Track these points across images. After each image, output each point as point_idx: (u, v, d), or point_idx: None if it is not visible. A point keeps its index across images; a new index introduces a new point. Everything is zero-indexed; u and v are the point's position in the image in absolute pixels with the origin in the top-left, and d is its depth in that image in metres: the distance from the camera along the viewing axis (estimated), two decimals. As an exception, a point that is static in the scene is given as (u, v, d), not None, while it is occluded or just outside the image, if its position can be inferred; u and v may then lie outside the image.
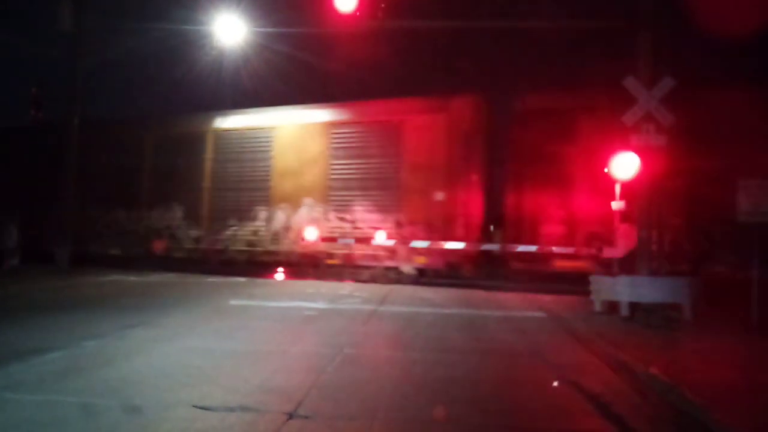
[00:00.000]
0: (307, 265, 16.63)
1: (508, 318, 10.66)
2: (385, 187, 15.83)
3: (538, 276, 14.28)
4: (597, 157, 12.30)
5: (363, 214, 16.00)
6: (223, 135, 18.14)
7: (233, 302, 11.69)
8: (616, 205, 13.28)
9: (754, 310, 9.88)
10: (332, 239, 16.08)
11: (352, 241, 15.88)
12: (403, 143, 15.59)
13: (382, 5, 11.53)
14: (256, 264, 17.14)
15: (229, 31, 15.01)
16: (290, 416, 4.94)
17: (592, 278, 11.67)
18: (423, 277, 15.76)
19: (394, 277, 15.76)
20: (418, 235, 15.16)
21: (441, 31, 13.00)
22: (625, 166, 11.03)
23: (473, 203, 15.21)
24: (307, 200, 16.71)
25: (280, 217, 17.07)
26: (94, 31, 18.46)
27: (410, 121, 15.59)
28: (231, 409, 5.05)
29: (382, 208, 15.80)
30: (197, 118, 18.99)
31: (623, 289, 10.74)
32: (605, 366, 7.25)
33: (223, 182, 17.84)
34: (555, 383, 6.37)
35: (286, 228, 16.95)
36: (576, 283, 12.69)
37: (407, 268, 15.71)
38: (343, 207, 16.30)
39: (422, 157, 15.26)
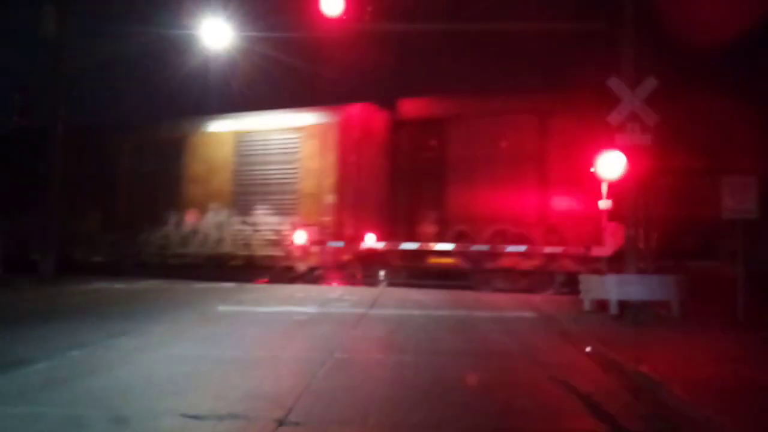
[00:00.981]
0: (212, 267, 17.49)
1: (498, 319, 10.65)
2: (284, 192, 16.89)
3: (417, 272, 15.67)
4: (472, 161, 14.53)
5: (264, 218, 17.06)
6: (144, 145, 19.14)
7: (221, 308, 11.60)
8: (604, 204, 13.37)
9: (740, 306, 9.95)
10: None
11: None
12: (300, 150, 16.74)
13: (369, 8, 11.55)
14: (168, 267, 17.89)
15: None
16: (281, 423, 4.88)
17: (582, 277, 11.71)
18: (315, 273, 16.70)
19: (291, 275, 16.72)
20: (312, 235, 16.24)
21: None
22: (611, 165, 11.07)
23: (364, 205, 16.24)
24: (214, 205, 17.74)
25: (188, 221, 18.11)
26: (79, 36, 18.39)
27: (306, 129, 16.73)
28: (220, 418, 4.97)
29: (281, 212, 16.83)
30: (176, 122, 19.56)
31: (612, 288, 10.77)
32: (596, 365, 7.26)
33: (138, 188, 18.65)
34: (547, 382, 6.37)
35: (194, 231, 17.96)
36: (450, 277, 15.03)
37: (301, 267, 16.69)
38: (246, 211, 17.31)
39: (316, 163, 16.40)
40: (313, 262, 16.55)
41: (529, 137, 14.62)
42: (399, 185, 15.96)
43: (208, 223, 17.78)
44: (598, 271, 12.63)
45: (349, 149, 16.12)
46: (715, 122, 13.33)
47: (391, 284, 15.68)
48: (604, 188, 13.22)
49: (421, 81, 20.34)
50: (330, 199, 16.16)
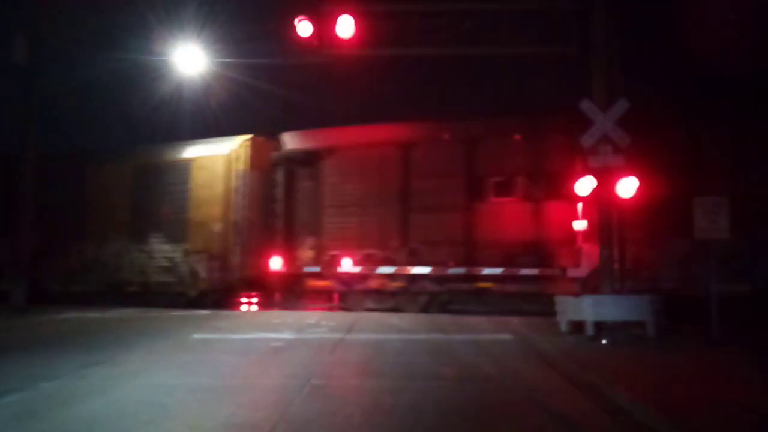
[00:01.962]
0: (108, 293, 17.98)
1: (475, 342, 10.64)
2: (176, 221, 17.68)
3: (299, 294, 16.76)
4: (343, 190, 16.01)
5: (158, 246, 17.83)
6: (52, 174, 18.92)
7: (197, 336, 11.46)
8: (579, 225, 13.51)
9: (715, 325, 10.06)
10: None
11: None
12: (191, 181, 17.61)
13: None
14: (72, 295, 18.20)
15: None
16: (257, 452, 4.82)
17: (558, 299, 11.77)
18: (205, 299, 17.27)
19: (183, 300, 17.27)
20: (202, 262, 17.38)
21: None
22: (584, 186, 11.20)
23: (251, 233, 17.31)
24: (112, 234, 18.39)
25: (90, 249, 18.76)
26: (52, 63, 18.41)
27: (197, 160, 17.68)
28: (195, 448, 4.90)
29: (173, 240, 17.65)
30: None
31: (587, 309, 10.82)
32: (573, 387, 7.27)
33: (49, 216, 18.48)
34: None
35: (94, 260, 18.62)
36: (325, 300, 16.51)
37: (192, 292, 17.47)
38: (142, 240, 18.05)
39: (205, 193, 17.36)
40: (204, 287, 17.36)
41: (394, 168, 15.77)
42: (280, 213, 17.07)
43: (107, 252, 18.42)
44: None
45: (236, 179, 17.20)
46: (687, 145, 13.55)
47: (344, 308, 16.10)
48: (580, 209, 13.37)
49: (309, 114, 21.92)
50: (217, 227, 17.13)
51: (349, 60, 12.63)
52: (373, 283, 15.65)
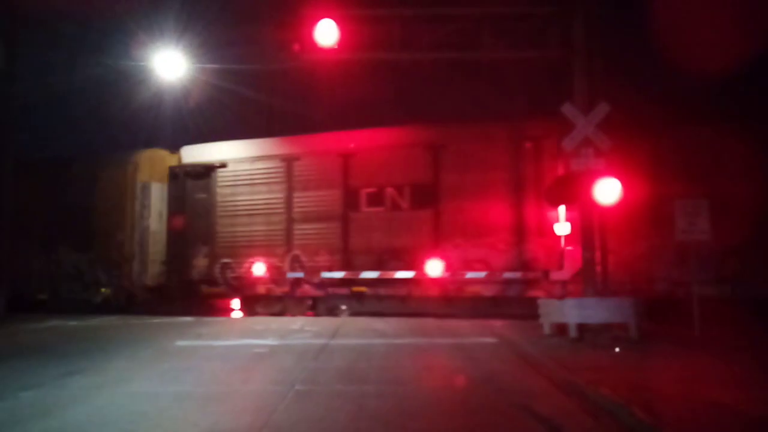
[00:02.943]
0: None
1: (460, 346, 10.65)
2: (82, 230, 18.30)
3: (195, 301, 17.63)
4: (234, 202, 17.09)
5: (67, 255, 18.41)
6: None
7: (180, 343, 11.37)
8: (562, 228, 13.59)
9: (696, 326, 10.16)
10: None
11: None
12: (96, 191, 18.42)
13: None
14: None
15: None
16: (240, 460, 4.79)
17: (541, 302, 11.82)
18: (108, 306, 17.91)
19: (90, 307, 17.76)
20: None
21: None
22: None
23: (152, 242, 18.22)
24: (24, 242, 18.47)
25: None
26: (30, 70, 18.40)
27: (105, 171, 18.51)
28: (178, 456, 4.85)
29: (80, 249, 18.29)
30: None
31: (571, 311, 10.88)
32: (556, 389, 7.30)
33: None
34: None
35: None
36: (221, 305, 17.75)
37: (97, 299, 18.16)
38: (51, 248, 18.52)
39: (108, 204, 18.20)
40: (107, 294, 18.14)
41: (279, 180, 16.88)
42: (178, 223, 17.96)
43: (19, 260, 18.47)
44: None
45: (137, 191, 18.08)
46: (675, 148, 13.68)
47: (330, 313, 16.32)
48: (562, 212, 13.45)
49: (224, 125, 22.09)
50: (119, 236, 17.97)
51: (330, 65, 12.64)
52: (261, 289, 16.67)
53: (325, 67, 12.99)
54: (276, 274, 16.42)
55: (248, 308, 17.01)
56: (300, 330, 12.94)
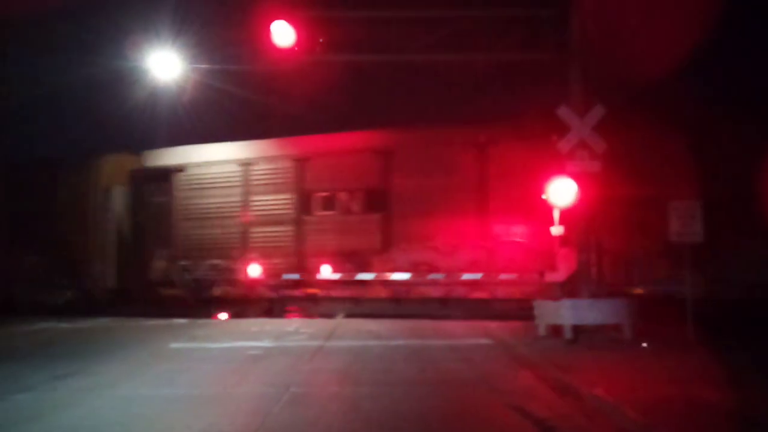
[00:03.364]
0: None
1: (454, 347, 10.65)
2: (48, 234, 18.37)
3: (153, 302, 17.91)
4: (193, 205, 17.54)
5: (29, 258, 18.51)
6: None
7: (174, 345, 11.34)
8: (556, 230, 13.59)
9: (690, 327, 10.17)
10: None
11: None
12: (60, 195, 18.64)
13: (321, 40, 11.64)
14: None
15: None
16: (234, 462, 4.77)
17: (536, 303, 11.81)
18: (71, 308, 17.83)
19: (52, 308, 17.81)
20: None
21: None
22: (561, 192, 11.25)
23: (113, 245, 18.63)
24: None
25: None
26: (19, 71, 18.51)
27: (63, 176, 18.84)
28: (171, 459, 4.83)
29: (42, 251, 18.38)
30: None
31: (566, 313, 10.88)
32: (551, 390, 7.30)
33: None
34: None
35: None
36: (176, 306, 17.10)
37: (59, 301, 18.36)
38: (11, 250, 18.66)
39: (70, 207, 18.41)
40: (69, 296, 18.57)
41: (236, 184, 17.40)
42: (138, 226, 18.56)
43: None
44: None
45: (98, 195, 18.49)
46: (662, 150, 13.73)
47: (349, 315, 16.12)
48: (556, 214, 13.46)
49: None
50: (80, 239, 18.28)
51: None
52: (217, 291, 17.36)
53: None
54: (232, 277, 16.89)
55: (205, 309, 16.99)
56: (295, 332, 12.93)
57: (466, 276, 15.01)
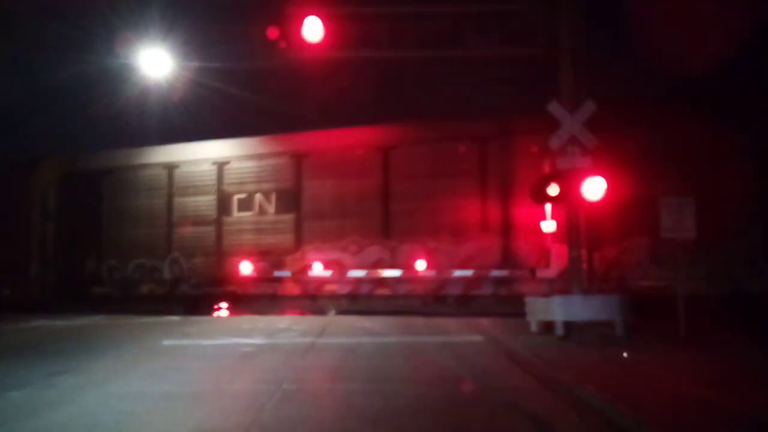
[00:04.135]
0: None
1: (447, 343, 10.69)
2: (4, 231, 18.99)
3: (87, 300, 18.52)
4: (119, 208, 18.59)
5: None
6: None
7: (166, 342, 11.33)
8: (548, 226, 13.67)
9: (681, 324, 10.24)
10: None
11: None
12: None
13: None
14: None
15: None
16: (228, 459, 4.79)
17: (528, 300, 11.86)
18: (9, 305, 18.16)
19: None
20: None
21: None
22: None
23: (52, 246, 19.44)
24: None
25: None
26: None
27: (6, 177, 19.06)
28: (165, 456, 4.84)
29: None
30: None
31: (557, 309, 10.92)
32: (543, 387, 7.34)
33: None
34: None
35: None
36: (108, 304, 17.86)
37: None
38: None
39: (7, 209, 18.93)
40: (6, 296, 18.93)
41: (160, 186, 18.37)
42: (68, 229, 19.31)
43: None
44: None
45: (38, 197, 19.28)
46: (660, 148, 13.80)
47: (340, 312, 16.32)
48: (548, 210, 13.53)
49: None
50: (19, 241, 18.99)
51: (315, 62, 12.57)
52: (143, 289, 18.26)
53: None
54: (157, 276, 17.83)
55: (134, 307, 17.42)
56: (287, 329, 12.94)
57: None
